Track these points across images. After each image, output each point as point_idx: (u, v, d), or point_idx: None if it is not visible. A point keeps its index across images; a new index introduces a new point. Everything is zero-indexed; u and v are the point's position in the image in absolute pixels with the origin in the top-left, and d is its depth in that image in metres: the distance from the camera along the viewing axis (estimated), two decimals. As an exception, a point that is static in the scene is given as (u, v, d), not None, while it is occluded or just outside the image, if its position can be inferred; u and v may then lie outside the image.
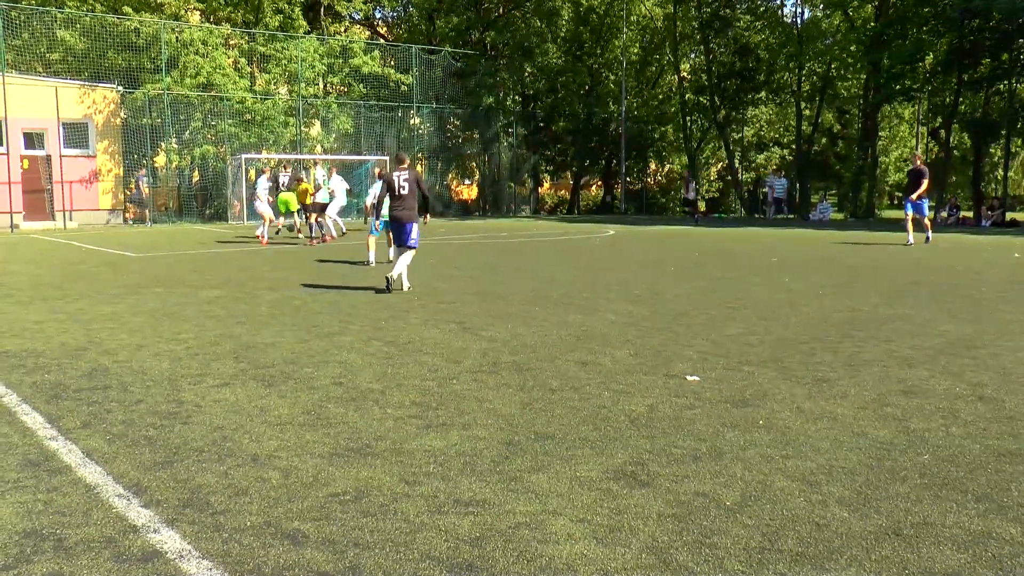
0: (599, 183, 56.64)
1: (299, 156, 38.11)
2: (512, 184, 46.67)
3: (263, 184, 25.32)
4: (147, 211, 34.96)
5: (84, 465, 5.15)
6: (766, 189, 43.62)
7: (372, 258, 17.26)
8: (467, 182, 50.71)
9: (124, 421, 6.06)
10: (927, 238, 22.49)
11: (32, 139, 32.62)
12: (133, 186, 35.93)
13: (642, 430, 5.78)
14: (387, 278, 12.86)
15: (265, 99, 37.03)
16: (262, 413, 6.24)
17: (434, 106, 42.47)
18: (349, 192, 26.26)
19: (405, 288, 13.07)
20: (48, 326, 10.01)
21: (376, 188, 16.89)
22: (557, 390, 6.86)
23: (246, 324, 10.09)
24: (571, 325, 9.93)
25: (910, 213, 21.94)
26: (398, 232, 13.35)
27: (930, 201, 23.22)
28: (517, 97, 48.04)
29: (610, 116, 48.18)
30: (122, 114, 34.46)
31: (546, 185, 56.37)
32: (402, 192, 13.13)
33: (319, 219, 23.63)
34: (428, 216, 13.91)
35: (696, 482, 4.81)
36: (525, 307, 11.38)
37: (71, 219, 32.59)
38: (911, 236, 21.94)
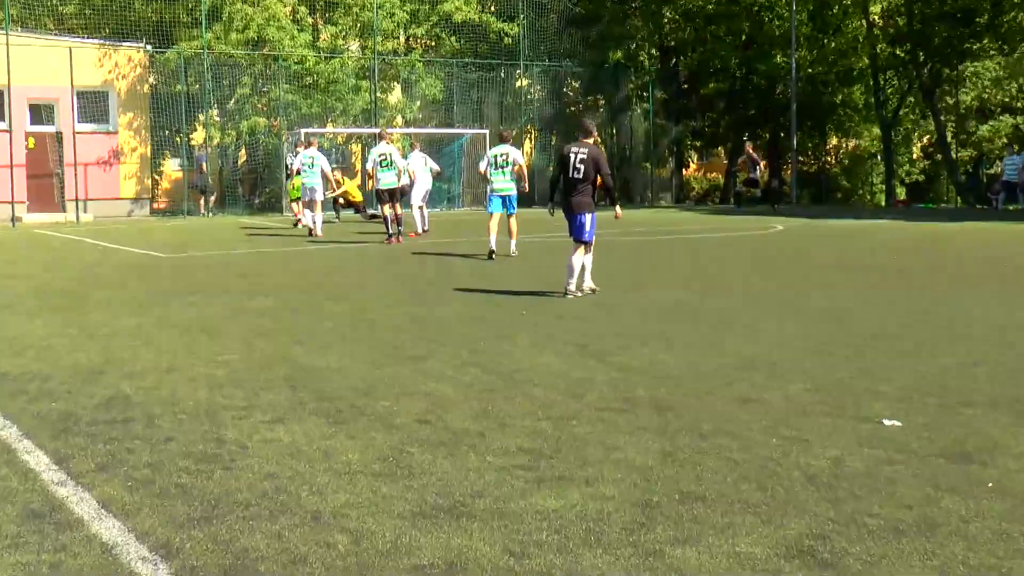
0: (763, 164, 56.10)
1: (375, 129, 38.60)
2: (648, 165, 46.50)
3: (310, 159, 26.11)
4: (211, 198, 35.78)
5: (100, 519, 5.24)
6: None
7: (493, 242, 18.95)
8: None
9: (150, 464, 6.16)
10: None
11: (40, 112, 33.63)
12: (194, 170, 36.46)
13: (823, 492, 5.65)
14: (566, 290, 13.41)
15: (331, 58, 37.54)
16: (326, 458, 6.28)
17: (547, 64, 42.63)
18: (438, 175, 26.63)
19: (587, 287, 13.57)
20: (57, 343, 10.31)
21: (488, 156, 19.63)
22: (709, 436, 6.77)
23: (306, 344, 10.23)
24: (728, 350, 9.82)
25: None
26: (570, 222, 13.62)
27: None
28: (654, 51, 47.87)
29: (776, 75, 47.58)
30: (151, 80, 35.34)
31: (692, 166, 56.04)
32: (576, 175, 13.30)
33: (392, 209, 23.17)
34: (619, 208, 14.49)
35: (899, 564, 4.67)
36: (667, 326, 11.29)
37: (85, 210, 33.45)
38: None
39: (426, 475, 5.96)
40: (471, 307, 12.84)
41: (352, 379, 8.55)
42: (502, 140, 19.38)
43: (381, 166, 22.64)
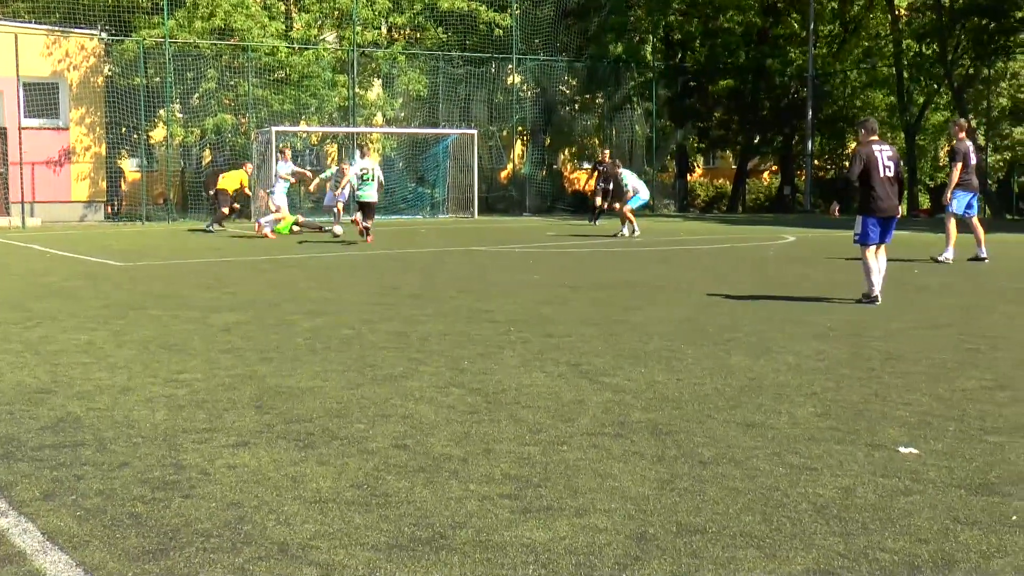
0: (774, 168, 56.19)
1: (352, 129, 38.56)
2: (649, 170, 46.56)
3: (286, 168, 28.03)
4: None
5: (44, 551, 5.24)
6: None
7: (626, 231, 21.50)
8: (586, 166, 50.60)
9: (101, 492, 6.17)
10: None
11: (-19, 105, 33.44)
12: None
13: (833, 524, 5.69)
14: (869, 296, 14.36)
15: (305, 50, 37.47)
16: (295, 485, 6.31)
17: (541, 58, 42.70)
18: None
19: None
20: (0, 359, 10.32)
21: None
22: (710, 463, 6.80)
23: (275, 361, 10.26)
24: (733, 371, 9.86)
25: None
26: (885, 229, 14.49)
27: None
28: (658, 44, 47.95)
29: (792, 72, 47.69)
30: (106, 71, 35.23)
31: (698, 171, 56.20)
32: (888, 173, 14.15)
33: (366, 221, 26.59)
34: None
35: (914, 602, 4.72)
36: (667, 344, 11.34)
37: (32, 214, 33.22)
38: None
39: (403, 504, 5.99)
40: (456, 323, 12.87)
41: (325, 400, 8.57)
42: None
43: (362, 180, 25.88)
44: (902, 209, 15.45)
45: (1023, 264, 21.62)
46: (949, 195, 21.63)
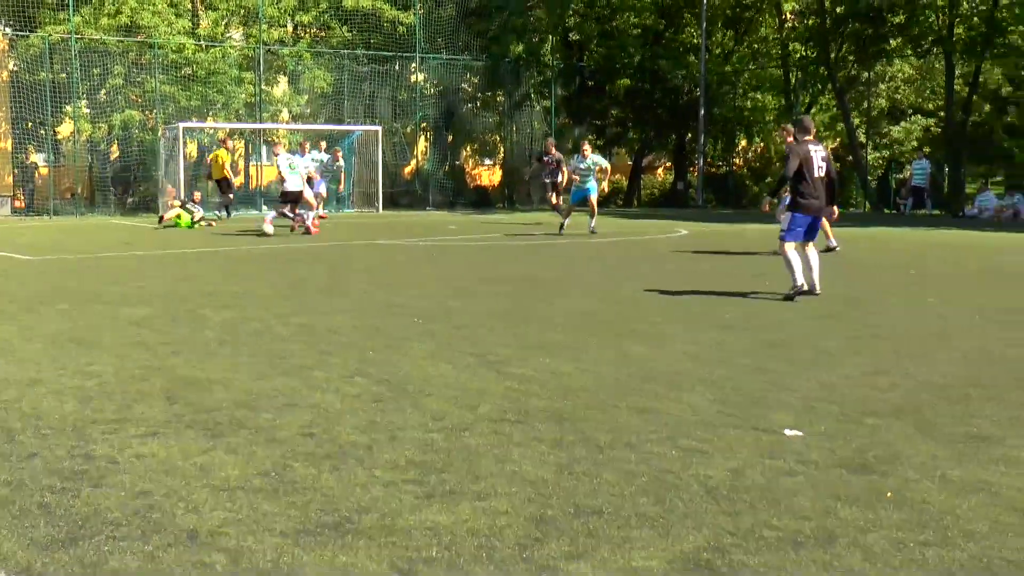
0: (668, 165, 56.59)
1: (259, 125, 38.25)
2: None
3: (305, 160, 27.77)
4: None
5: (-43, 542, 5.19)
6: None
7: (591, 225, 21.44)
8: (487, 162, 50.68)
9: (9, 483, 6.08)
10: None
11: None
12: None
13: (723, 504, 5.78)
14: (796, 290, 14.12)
15: (212, 47, 37.11)
16: (203, 474, 6.27)
17: (444, 57, 42.61)
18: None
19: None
20: (-88, 353, 10.13)
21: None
22: (606, 448, 6.86)
23: (185, 354, 10.16)
24: (632, 360, 9.95)
25: None
26: (812, 227, 14.53)
27: None
28: (557, 45, 48.07)
29: (686, 73, 48.09)
30: (11, 66, 34.61)
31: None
32: (820, 173, 14.20)
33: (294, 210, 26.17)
34: (836, 210, 15.12)
35: (798, 576, 4.82)
36: (572, 335, 11.40)
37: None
38: None
39: (310, 491, 5.98)
40: (364, 316, 12.84)
41: (233, 391, 8.52)
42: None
43: (290, 169, 25.35)
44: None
45: (902, 258, 21.98)
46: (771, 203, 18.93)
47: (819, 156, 14.19)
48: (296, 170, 25.37)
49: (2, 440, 6.98)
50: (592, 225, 27.22)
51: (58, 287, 15.58)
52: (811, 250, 14.45)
